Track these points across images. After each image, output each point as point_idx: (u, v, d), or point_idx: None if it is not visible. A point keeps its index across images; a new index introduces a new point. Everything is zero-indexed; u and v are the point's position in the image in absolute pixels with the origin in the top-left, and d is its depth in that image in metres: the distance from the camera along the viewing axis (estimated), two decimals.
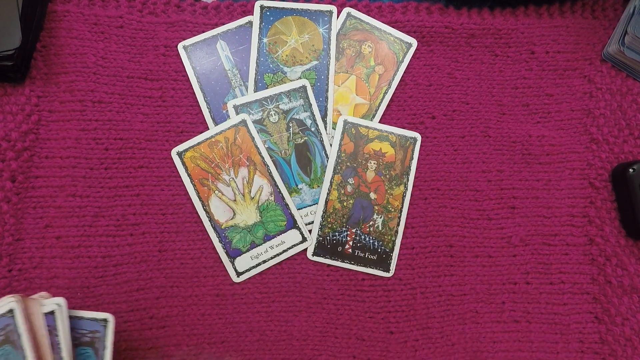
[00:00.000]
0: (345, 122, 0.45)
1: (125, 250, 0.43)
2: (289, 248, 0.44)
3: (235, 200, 0.44)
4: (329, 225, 0.44)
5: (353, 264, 0.44)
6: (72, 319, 0.35)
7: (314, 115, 0.45)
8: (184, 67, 0.46)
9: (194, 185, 0.44)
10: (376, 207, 0.45)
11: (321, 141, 0.45)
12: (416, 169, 0.45)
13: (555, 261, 0.45)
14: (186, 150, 0.44)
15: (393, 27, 0.47)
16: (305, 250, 0.44)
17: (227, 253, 0.43)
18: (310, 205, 0.45)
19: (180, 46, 0.46)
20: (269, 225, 0.44)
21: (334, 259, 0.44)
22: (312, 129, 0.45)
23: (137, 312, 0.42)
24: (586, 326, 0.44)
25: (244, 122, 0.44)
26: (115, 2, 0.46)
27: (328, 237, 0.44)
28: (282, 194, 0.44)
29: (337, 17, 0.47)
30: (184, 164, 0.44)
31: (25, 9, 0.42)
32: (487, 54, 0.48)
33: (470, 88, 0.47)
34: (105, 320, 0.36)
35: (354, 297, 0.44)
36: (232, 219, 0.44)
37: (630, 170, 0.44)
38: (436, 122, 0.47)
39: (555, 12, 0.48)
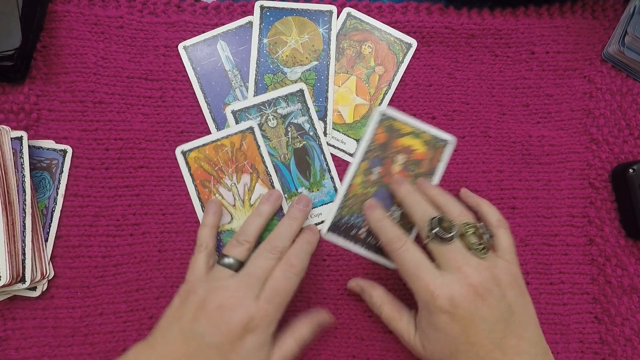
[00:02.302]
0: (381, 115, 0.45)
1: (125, 250, 0.43)
2: None
3: (234, 205, 0.44)
4: (348, 208, 0.45)
5: (364, 249, 0.44)
6: (33, 148, 0.42)
7: (311, 120, 0.45)
8: (184, 67, 0.46)
9: (195, 186, 0.44)
10: (396, 200, 0.45)
11: (320, 145, 0.45)
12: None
13: (555, 261, 0.45)
14: (191, 150, 0.44)
15: (393, 27, 0.47)
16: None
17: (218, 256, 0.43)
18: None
19: (180, 46, 0.46)
20: (264, 234, 0.43)
21: (346, 240, 0.44)
22: (311, 133, 0.45)
23: (136, 312, 0.42)
24: (586, 326, 0.44)
25: (251, 130, 0.44)
26: (115, 2, 0.46)
27: (345, 219, 0.44)
28: (280, 205, 0.44)
29: (337, 17, 0.47)
30: (187, 163, 0.44)
31: (25, 9, 0.42)
32: (487, 54, 0.48)
33: (470, 88, 0.47)
34: (64, 151, 0.42)
35: (353, 297, 0.44)
36: (229, 223, 0.44)
37: (630, 170, 0.44)
38: (436, 122, 0.47)
39: (555, 12, 0.48)
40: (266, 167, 0.44)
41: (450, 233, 0.35)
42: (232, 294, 0.35)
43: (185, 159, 0.44)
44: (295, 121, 0.45)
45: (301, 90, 0.45)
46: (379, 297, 0.41)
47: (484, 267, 0.35)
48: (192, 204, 0.44)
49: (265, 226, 0.41)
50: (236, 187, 0.44)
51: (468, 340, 0.34)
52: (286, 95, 0.45)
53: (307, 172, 0.45)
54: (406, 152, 0.45)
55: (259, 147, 0.44)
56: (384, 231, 0.39)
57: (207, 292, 0.35)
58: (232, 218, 0.44)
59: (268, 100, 0.45)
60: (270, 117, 0.45)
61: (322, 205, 0.45)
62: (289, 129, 0.45)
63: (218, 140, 0.44)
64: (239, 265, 0.37)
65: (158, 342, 0.35)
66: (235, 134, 0.44)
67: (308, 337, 0.38)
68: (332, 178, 0.45)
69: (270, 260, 0.37)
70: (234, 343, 0.33)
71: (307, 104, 0.45)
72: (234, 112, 0.45)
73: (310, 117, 0.45)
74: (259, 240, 0.40)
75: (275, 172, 0.44)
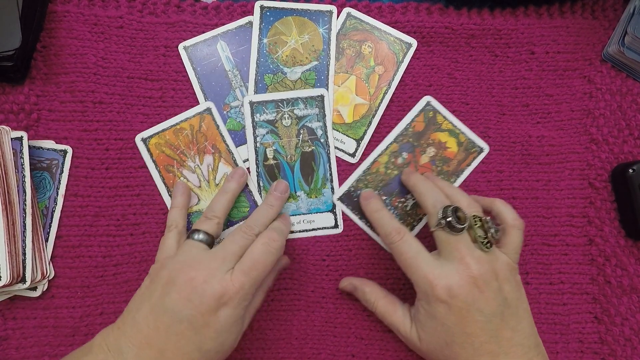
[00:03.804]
0: (427, 103, 0.46)
1: (126, 250, 0.43)
2: None
3: (200, 186, 0.44)
4: (365, 182, 0.45)
5: (369, 227, 0.45)
6: (33, 148, 0.42)
7: (325, 127, 0.45)
8: (184, 67, 0.46)
9: (159, 172, 0.44)
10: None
11: (328, 153, 0.45)
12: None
13: (555, 261, 0.45)
14: (151, 136, 0.44)
15: (393, 27, 0.47)
16: (306, 251, 0.44)
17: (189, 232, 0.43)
18: (304, 214, 0.45)
19: (180, 47, 0.46)
20: (232, 211, 0.44)
21: (353, 212, 0.45)
22: (322, 140, 0.45)
23: None
24: (586, 326, 0.44)
25: (209, 110, 0.44)
26: (115, 2, 0.46)
27: (359, 191, 0.45)
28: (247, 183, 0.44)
29: (337, 17, 0.47)
30: (148, 150, 0.44)
31: (25, 9, 0.42)
32: (487, 55, 0.48)
33: (470, 88, 0.47)
34: (64, 151, 0.43)
35: (352, 297, 0.44)
36: (196, 204, 0.44)
37: (630, 170, 0.44)
38: None
39: (555, 13, 0.48)
40: (227, 146, 0.44)
41: (464, 224, 0.35)
42: (205, 267, 0.34)
43: (146, 145, 0.44)
44: (310, 125, 0.45)
45: (322, 96, 0.45)
46: (372, 293, 0.41)
47: (485, 260, 0.35)
48: (159, 191, 0.44)
49: (233, 203, 0.41)
50: (200, 169, 0.44)
51: (464, 330, 0.34)
52: (306, 98, 0.45)
53: (310, 178, 0.45)
54: (438, 147, 0.45)
55: (218, 126, 0.44)
56: (382, 223, 0.39)
57: (178, 267, 0.34)
58: (198, 199, 0.44)
59: (287, 98, 0.45)
60: (286, 115, 0.45)
61: (317, 212, 0.45)
62: (302, 131, 0.45)
63: (177, 124, 0.44)
64: (209, 239, 0.37)
65: (127, 323, 0.34)
66: (194, 116, 0.45)
67: (271, 285, 0.41)
68: (332, 189, 0.45)
69: (245, 239, 0.37)
70: (208, 317, 0.33)
71: (324, 111, 0.45)
72: (251, 104, 0.45)
73: (325, 124, 0.45)
74: (228, 220, 0.42)
75: (278, 171, 0.45)
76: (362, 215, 0.45)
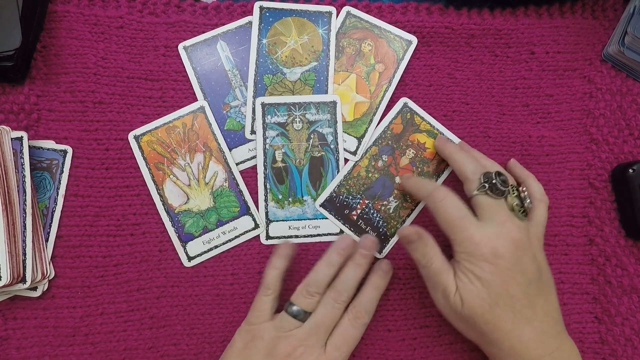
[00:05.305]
0: (405, 105, 0.46)
1: (126, 250, 0.43)
2: (241, 234, 0.44)
3: (189, 185, 0.44)
4: (347, 187, 0.45)
5: (352, 231, 0.44)
6: (33, 148, 0.42)
7: (336, 133, 0.45)
8: (184, 67, 0.46)
9: (149, 169, 0.44)
10: (396, 192, 0.45)
11: (337, 160, 0.45)
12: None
13: (555, 261, 0.45)
14: (143, 134, 0.44)
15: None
16: (306, 251, 0.44)
17: (179, 237, 0.43)
18: (310, 219, 0.45)
19: (180, 47, 0.46)
20: (222, 211, 0.44)
21: (337, 218, 0.45)
22: (332, 146, 0.45)
23: (137, 312, 0.42)
24: (586, 326, 0.44)
25: (202, 109, 0.44)
26: (115, 2, 0.46)
27: (341, 197, 0.45)
28: (236, 180, 0.44)
29: (337, 17, 0.47)
30: (140, 147, 0.44)
31: (25, 9, 0.42)
32: (487, 55, 0.48)
33: (470, 88, 0.47)
34: (64, 151, 0.43)
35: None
36: (185, 203, 0.44)
37: (630, 170, 0.44)
38: None
39: (555, 13, 0.48)
40: (219, 144, 0.44)
41: (506, 187, 0.37)
42: (301, 343, 0.36)
43: (138, 143, 0.44)
44: (320, 130, 0.45)
45: (334, 102, 0.45)
46: (434, 247, 0.38)
47: (522, 227, 0.37)
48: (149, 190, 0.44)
49: (335, 275, 0.39)
50: (190, 167, 0.44)
51: (508, 292, 0.35)
52: (318, 103, 0.45)
53: (317, 183, 0.45)
54: (417, 148, 0.46)
55: (210, 125, 0.44)
56: (423, 184, 0.41)
57: (276, 340, 0.37)
58: (188, 198, 0.44)
59: (299, 102, 0.45)
60: (298, 119, 0.45)
61: (322, 218, 0.45)
62: (312, 136, 0.45)
63: (170, 122, 0.44)
64: (306, 316, 0.38)
65: None
66: (187, 114, 0.45)
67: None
68: None
69: (336, 310, 0.38)
70: None
71: (336, 117, 0.45)
72: (263, 105, 0.45)
73: (335, 130, 0.45)
74: (218, 220, 0.43)
75: (286, 174, 0.45)
76: (346, 221, 0.44)
